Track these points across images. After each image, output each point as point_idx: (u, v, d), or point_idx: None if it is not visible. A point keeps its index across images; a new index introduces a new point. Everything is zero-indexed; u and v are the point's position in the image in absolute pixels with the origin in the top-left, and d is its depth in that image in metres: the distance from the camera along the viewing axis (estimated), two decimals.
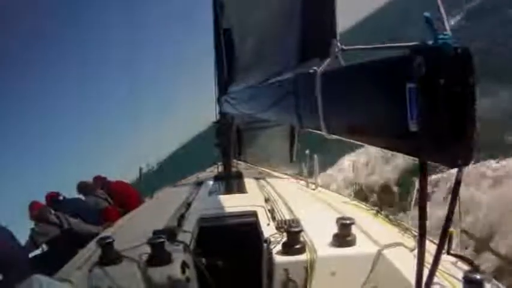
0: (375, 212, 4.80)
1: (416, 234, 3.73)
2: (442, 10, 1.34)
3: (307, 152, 6.72)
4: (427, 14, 1.30)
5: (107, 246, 3.62)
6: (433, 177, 9.93)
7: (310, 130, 2.46)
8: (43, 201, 7.05)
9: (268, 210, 4.62)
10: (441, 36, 1.25)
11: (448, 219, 1.43)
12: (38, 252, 5.89)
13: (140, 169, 8.59)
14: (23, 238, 5.98)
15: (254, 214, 4.52)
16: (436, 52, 1.24)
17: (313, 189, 6.44)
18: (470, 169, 9.67)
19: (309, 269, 3.34)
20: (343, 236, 3.48)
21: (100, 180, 8.47)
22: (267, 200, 5.13)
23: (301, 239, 3.52)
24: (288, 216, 4.31)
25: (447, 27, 1.28)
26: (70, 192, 7.94)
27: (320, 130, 2.20)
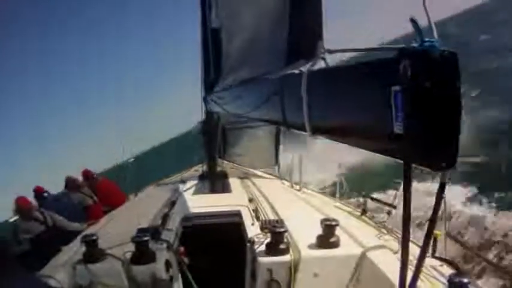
0: (359, 213, 4.81)
1: (400, 236, 3.75)
2: (429, 14, 1.34)
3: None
4: (413, 17, 1.30)
5: (91, 243, 3.60)
6: None
7: (295, 130, 2.46)
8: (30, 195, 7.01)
9: (253, 210, 4.61)
10: (428, 40, 1.25)
11: (432, 222, 1.44)
12: (22, 249, 5.82)
13: (126, 165, 8.52)
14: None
15: (238, 214, 4.51)
16: (422, 55, 1.24)
17: (298, 190, 6.45)
18: None
19: (292, 269, 3.33)
20: (327, 237, 3.48)
21: (88, 174, 8.42)
22: (251, 200, 5.12)
23: (285, 239, 3.51)
24: (272, 217, 4.31)
25: (434, 31, 1.29)
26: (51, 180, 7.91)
27: (304, 130, 2.21)
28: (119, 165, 8.84)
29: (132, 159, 9.18)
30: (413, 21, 1.29)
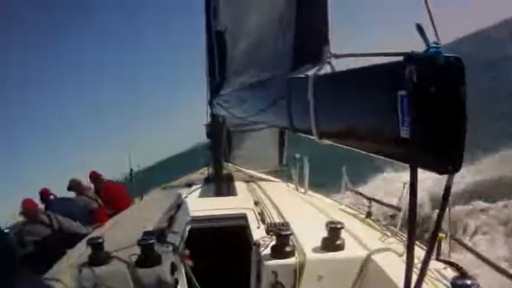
0: (364, 216, 4.82)
1: (405, 239, 3.74)
2: (434, 20, 1.36)
3: (297, 155, 6.71)
4: (418, 23, 1.31)
5: (96, 246, 3.61)
6: None
7: (302, 134, 2.48)
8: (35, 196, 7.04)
9: (258, 213, 4.61)
10: (433, 45, 1.27)
11: (438, 224, 1.45)
12: (27, 251, 5.84)
13: (131, 170, 8.54)
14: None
15: (244, 217, 4.51)
16: (428, 61, 1.25)
17: (303, 193, 6.45)
18: None
19: (297, 272, 3.34)
20: (332, 240, 3.48)
21: (95, 176, 8.46)
22: (256, 203, 5.11)
23: (291, 242, 3.52)
24: (277, 220, 4.31)
25: (439, 37, 1.30)
26: (60, 185, 7.95)
27: (311, 134, 2.22)
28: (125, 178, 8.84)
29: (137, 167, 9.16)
30: (418, 27, 1.30)
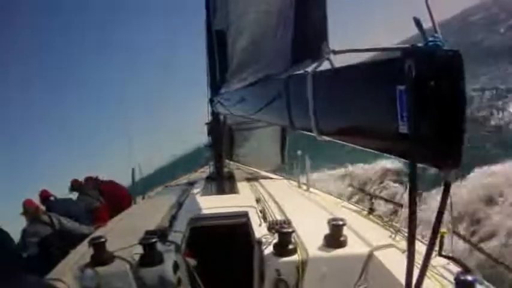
0: (366, 213, 4.81)
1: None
2: (433, 13, 1.35)
3: (299, 152, 6.71)
4: (416, 16, 1.30)
5: (98, 246, 3.61)
6: None
7: (302, 131, 2.47)
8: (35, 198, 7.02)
9: (260, 211, 4.61)
10: (432, 39, 1.25)
11: (438, 220, 1.43)
12: (29, 252, 5.84)
13: (133, 170, 8.55)
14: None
15: (245, 215, 4.51)
16: (426, 55, 1.24)
17: (305, 190, 6.44)
18: None
19: (300, 269, 3.34)
20: (335, 237, 3.48)
21: (92, 180, 8.46)
22: (258, 201, 5.12)
23: (293, 239, 3.52)
24: (279, 217, 4.30)
25: (438, 30, 1.29)
26: (61, 191, 7.93)
27: (311, 131, 2.21)
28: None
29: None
30: (416, 21, 1.29)
